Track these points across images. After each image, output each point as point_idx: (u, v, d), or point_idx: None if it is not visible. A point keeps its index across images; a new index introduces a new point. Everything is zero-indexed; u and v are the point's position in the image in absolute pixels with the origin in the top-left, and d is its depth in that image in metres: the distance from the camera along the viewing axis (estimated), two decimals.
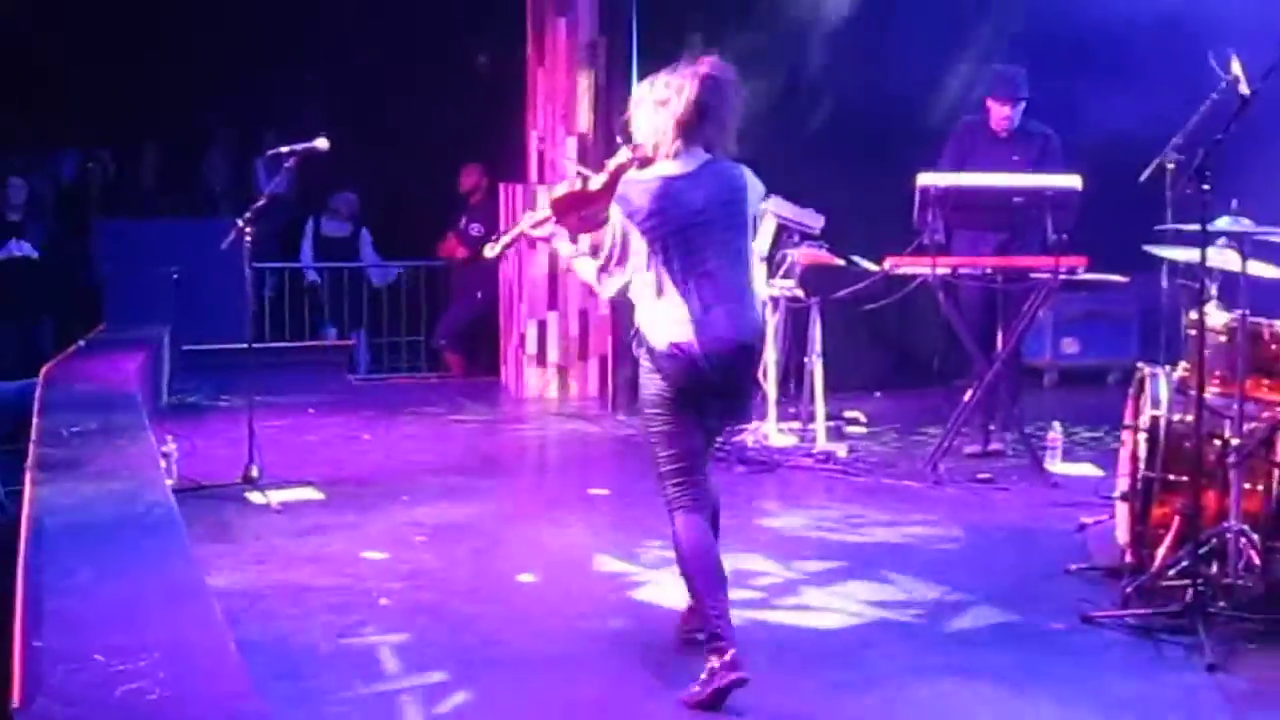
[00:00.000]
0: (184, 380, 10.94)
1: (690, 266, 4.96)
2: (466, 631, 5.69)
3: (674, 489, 5.06)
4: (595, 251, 5.23)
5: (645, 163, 5.13)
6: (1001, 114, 8.85)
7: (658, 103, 5.04)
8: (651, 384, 5.04)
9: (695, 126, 5.01)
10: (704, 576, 5.01)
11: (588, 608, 6.00)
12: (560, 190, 5.32)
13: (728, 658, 4.82)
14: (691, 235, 4.97)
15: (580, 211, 5.29)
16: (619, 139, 5.34)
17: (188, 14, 12.48)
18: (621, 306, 10.43)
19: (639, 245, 4.99)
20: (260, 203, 8.07)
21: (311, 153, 8.03)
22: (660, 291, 4.99)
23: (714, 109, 5.02)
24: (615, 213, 5.04)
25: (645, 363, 5.05)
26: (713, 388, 5.01)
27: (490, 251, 5.77)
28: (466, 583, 6.34)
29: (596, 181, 5.27)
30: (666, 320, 4.97)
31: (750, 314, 5.07)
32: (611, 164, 5.24)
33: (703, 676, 4.85)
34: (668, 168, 5.04)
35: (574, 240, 5.47)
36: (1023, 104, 8.86)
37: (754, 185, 5.17)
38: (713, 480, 5.28)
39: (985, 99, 8.96)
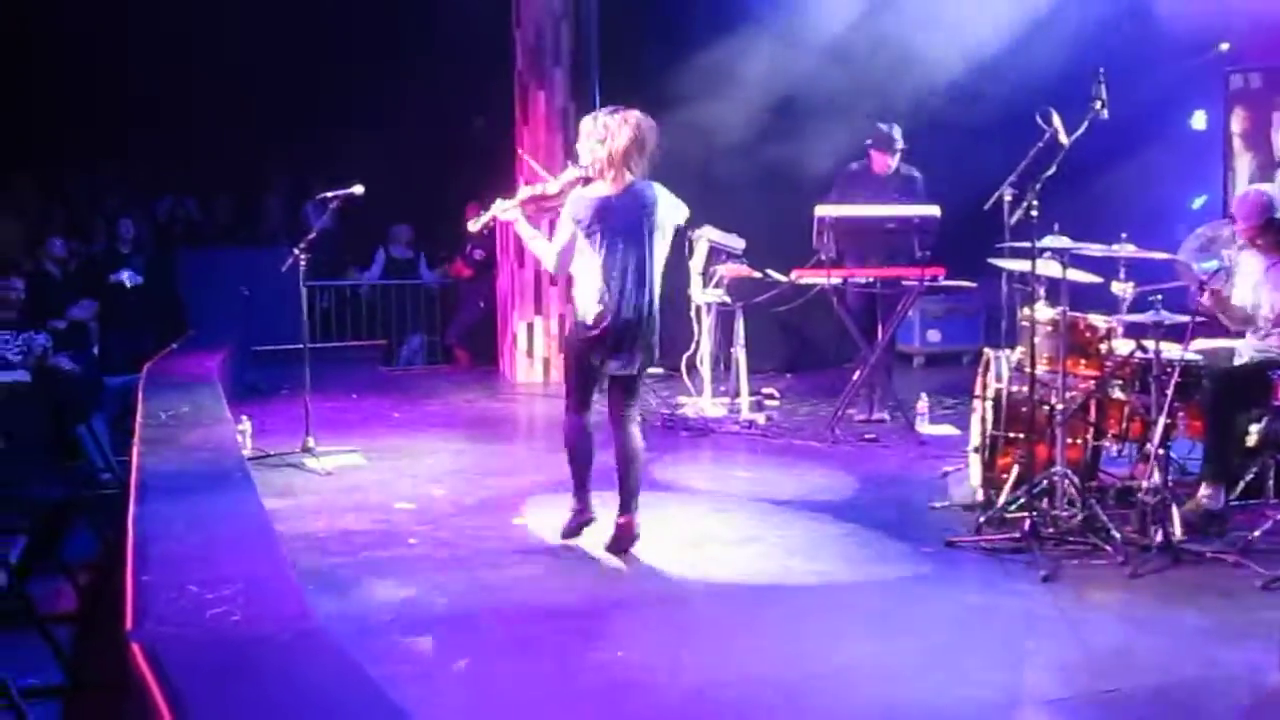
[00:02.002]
0: (253, 373, 10.87)
1: (613, 260, 5.51)
2: (477, 561, 5.68)
3: (569, 400, 5.76)
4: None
5: (587, 181, 5.64)
6: (883, 161, 8.84)
7: (599, 139, 5.56)
8: (573, 335, 5.69)
9: (626, 158, 5.54)
10: (575, 461, 5.80)
11: (570, 542, 5.99)
12: (524, 191, 5.91)
13: (581, 507, 5.85)
14: (615, 239, 5.52)
15: (538, 205, 5.85)
16: (568, 161, 5.92)
17: (255, 94, 12.40)
18: None
19: (582, 243, 5.57)
20: (311, 236, 8.03)
21: (350, 198, 7.99)
22: (591, 275, 5.55)
23: (640, 146, 5.55)
24: (566, 217, 5.61)
25: (571, 320, 5.69)
26: (612, 344, 5.56)
27: (473, 226, 6.09)
28: (475, 525, 6.32)
29: (553, 187, 5.81)
30: (592, 295, 5.55)
31: (646, 296, 5.55)
32: (563, 177, 5.78)
33: (568, 518, 5.86)
34: (604, 188, 5.58)
35: (532, 222, 5.90)
36: (899, 154, 8.85)
37: (663, 197, 5.64)
38: (634, 424, 5.81)
39: (869, 149, 8.93)
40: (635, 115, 5.60)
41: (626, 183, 5.57)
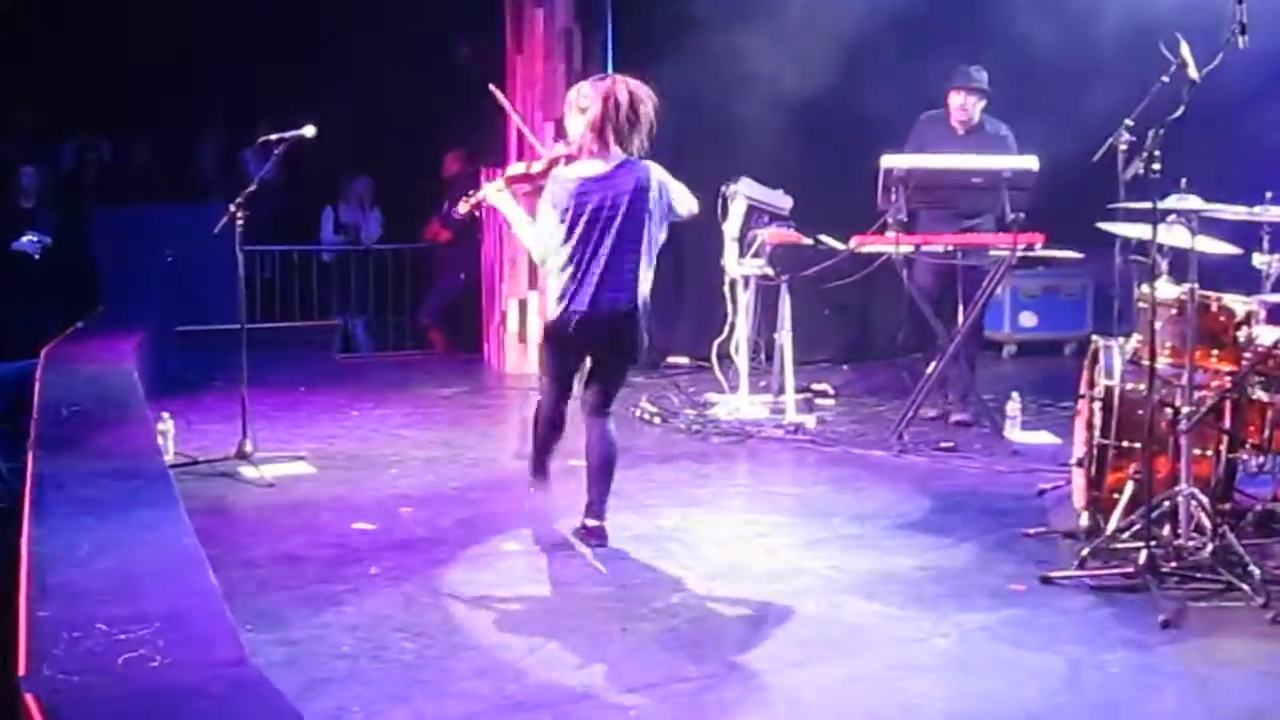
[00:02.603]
0: (178, 360, 10.90)
1: (588, 249, 6.05)
2: (453, 597, 5.69)
3: (544, 384, 6.47)
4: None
5: (572, 158, 6.16)
6: (959, 104, 8.85)
7: (579, 109, 6.09)
8: (549, 324, 6.27)
9: (608, 131, 6.03)
10: (539, 439, 6.53)
11: (568, 574, 6.01)
12: (512, 169, 6.55)
13: (543, 480, 6.57)
14: (593, 226, 6.04)
15: (525, 185, 6.39)
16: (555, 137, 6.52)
17: (181, 7, 12.42)
18: None
19: (556, 228, 6.09)
20: (251, 188, 8.03)
21: (299, 140, 8.00)
22: (563, 264, 6.11)
23: (623, 116, 6.02)
24: (544, 200, 6.15)
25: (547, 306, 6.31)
26: (585, 342, 6.21)
27: (461, 208, 6.73)
28: (452, 551, 6.33)
29: (538, 166, 6.37)
30: (560, 287, 6.13)
31: (626, 290, 6.09)
32: (549, 155, 6.36)
33: (532, 490, 6.62)
34: (585, 168, 6.08)
35: (524, 205, 6.40)
36: (983, 100, 8.86)
37: (660, 180, 6.13)
38: (609, 421, 6.38)
39: (947, 92, 8.94)
40: (622, 81, 6.11)
41: (615, 161, 6.09)
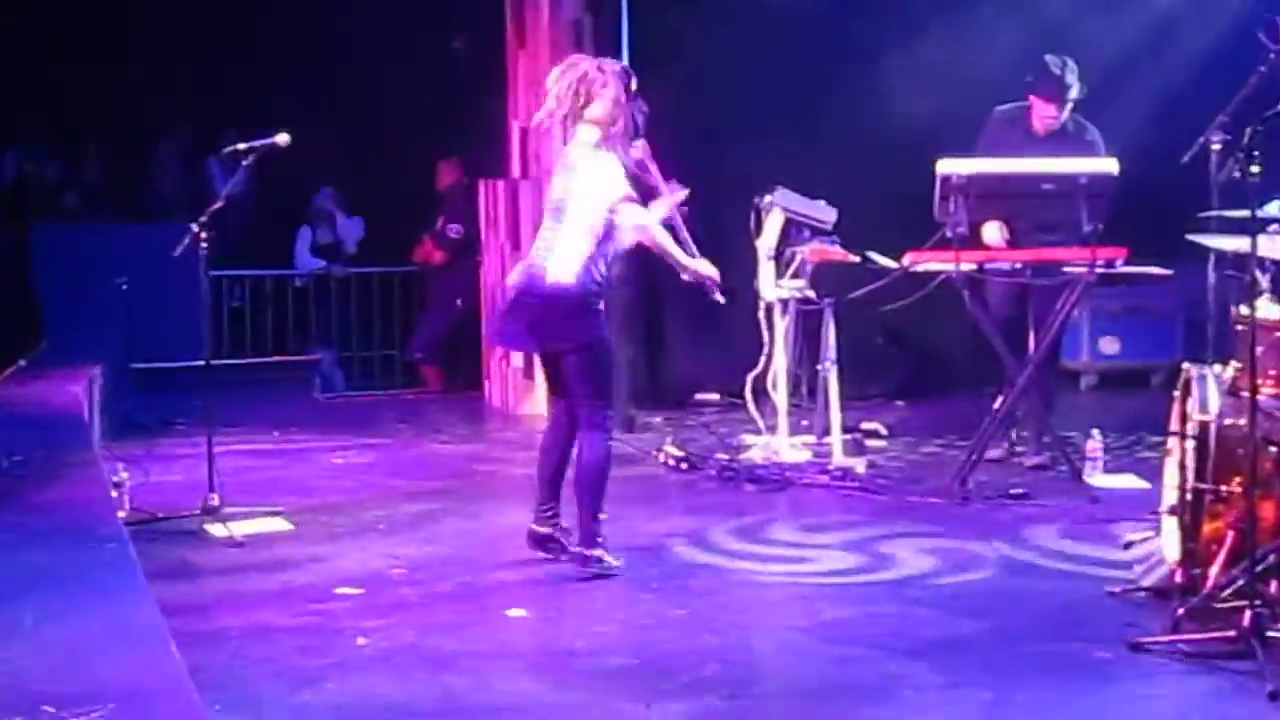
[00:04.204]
0: (136, 402, 10.93)
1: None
2: (452, 673, 5.67)
3: (608, 412, 6.95)
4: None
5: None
6: (1047, 113, 8.66)
7: (628, 91, 6.63)
8: (603, 330, 6.86)
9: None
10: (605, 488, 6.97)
11: (585, 643, 5.99)
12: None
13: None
14: None
15: None
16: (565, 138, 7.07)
17: (139, 3, 12.51)
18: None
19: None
20: (217, 205, 8.06)
21: (271, 150, 8.03)
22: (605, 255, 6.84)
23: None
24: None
25: (598, 308, 6.80)
26: None
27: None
28: (451, 620, 6.32)
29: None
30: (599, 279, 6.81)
31: None
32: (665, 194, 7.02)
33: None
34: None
35: None
36: (1070, 104, 8.67)
37: None
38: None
39: (1029, 93, 8.80)
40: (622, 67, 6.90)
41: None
